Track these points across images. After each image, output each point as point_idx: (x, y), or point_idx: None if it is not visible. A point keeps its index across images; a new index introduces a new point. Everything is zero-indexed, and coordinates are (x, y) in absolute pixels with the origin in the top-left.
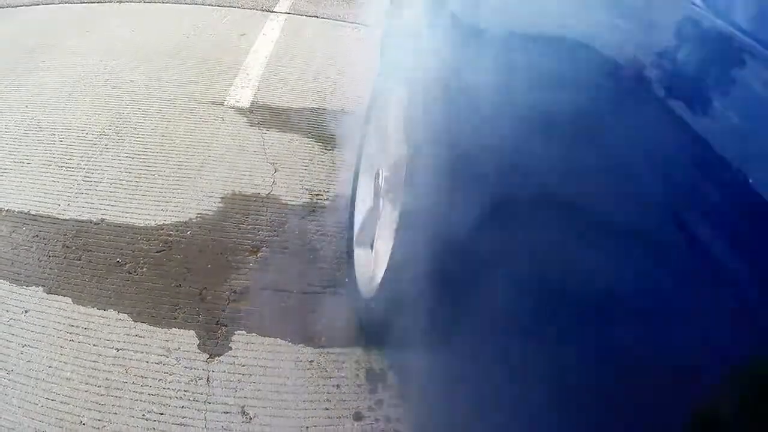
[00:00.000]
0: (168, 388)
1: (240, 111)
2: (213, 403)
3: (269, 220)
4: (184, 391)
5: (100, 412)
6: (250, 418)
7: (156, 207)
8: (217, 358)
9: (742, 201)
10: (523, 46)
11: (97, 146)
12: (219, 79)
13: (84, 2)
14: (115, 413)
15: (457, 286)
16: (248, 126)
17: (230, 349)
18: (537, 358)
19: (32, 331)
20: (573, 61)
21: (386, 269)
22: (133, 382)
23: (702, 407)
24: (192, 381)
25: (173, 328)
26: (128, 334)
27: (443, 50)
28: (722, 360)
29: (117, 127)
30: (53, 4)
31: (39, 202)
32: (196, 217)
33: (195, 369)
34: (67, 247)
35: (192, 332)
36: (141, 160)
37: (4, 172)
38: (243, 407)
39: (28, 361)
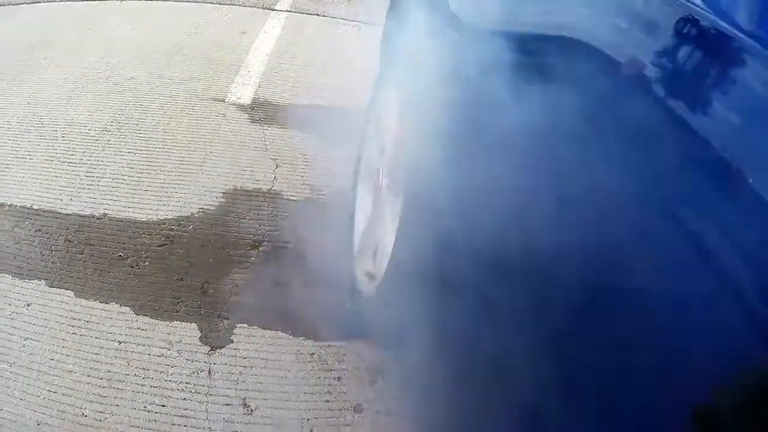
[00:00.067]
0: (170, 381)
1: (241, 108)
2: (214, 395)
3: (271, 215)
4: (186, 383)
5: (101, 404)
6: (252, 410)
7: (158, 202)
8: (218, 350)
9: (742, 201)
10: (523, 46)
11: (99, 142)
12: (220, 77)
13: (85, 0)
14: (117, 405)
15: (458, 284)
16: (250, 122)
17: (232, 341)
18: (535, 355)
19: (34, 324)
20: (573, 60)
21: (387, 268)
22: (135, 375)
23: (702, 407)
24: (194, 373)
25: (175, 321)
26: (130, 327)
27: (443, 50)
28: (722, 360)
29: (119, 123)
30: (54, 2)
31: (41, 197)
32: (198, 211)
33: (197, 361)
34: (69, 241)
35: (194, 325)
36: (143, 156)
37: (6, 168)
38: (244, 399)
39: (30, 354)
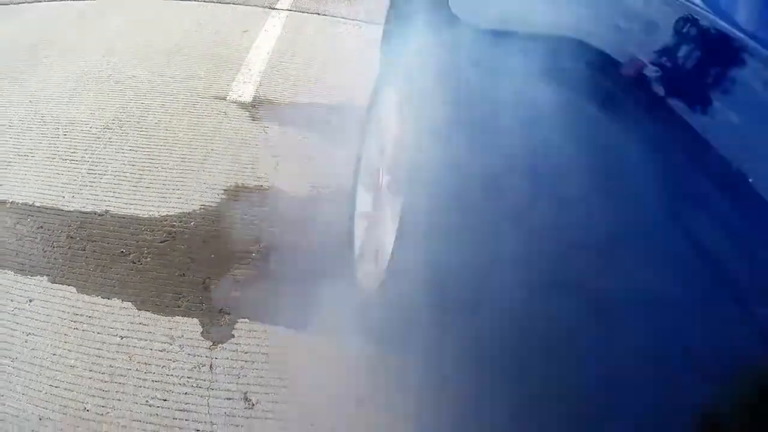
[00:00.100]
0: (171, 375)
1: (242, 106)
2: (216, 390)
3: (272, 211)
4: (188, 377)
5: (103, 398)
6: (253, 404)
7: (160, 199)
8: (220, 345)
9: (742, 201)
10: (523, 45)
11: (101, 140)
12: (221, 75)
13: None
14: (119, 399)
15: (458, 284)
16: (251, 120)
17: (233, 336)
18: (534, 355)
19: (36, 320)
20: (572, 60)
21: (387, 267)
22: (136, 369)
23: (702, 407)
24: (195, 368)
25: (177, 316)
26: (132, 322)
27: (442, 49)
28: (722, 360)
29: (120, 121)
30: (55, 1)
31: (43, 194)
32: (200, 208)
33: (198, 356)
34: (71, 237)
35: (195, 320)
36: (144, 153)
37: (8, 166)
38: (246, 393)
39: (33, 349)
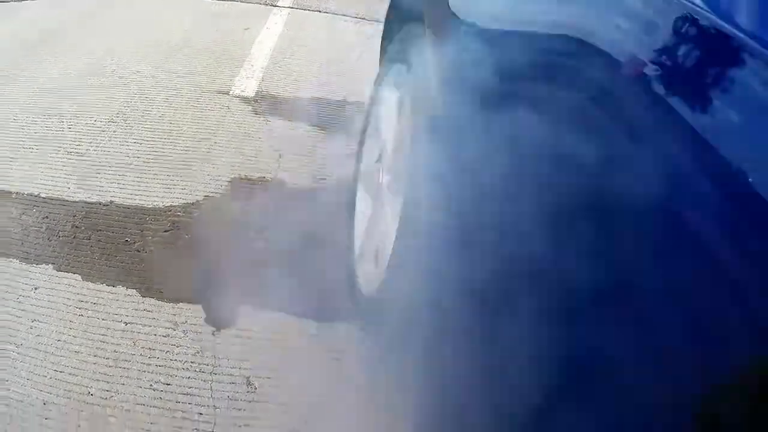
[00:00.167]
0: (175, 360)
1: (245, 100)
2: (219, 374)
3: (275, 202)
4: (191, 362)
5: (108, 383)
6: (255, 389)
7: (164, 190)
8: (223, 331)
9: (742, 201)
10: (522, 45)
11: (105, 133)
12: (224, 70)
13: None
14: (123, 384)
15: (460, 283)
16: (253, 114)
17: (236, 322)
18: (534, 355)
19: (42, 307)
20: (572, 59)
21: (388, 267)
22: (141, 354)
23: (702, 407)
24: (198, 352)
25: (181, 303)
26: (136, 309)
27: (442, 48)
28: (722, 360)
29: (125, 115)
30: None
31: (48, 185)
32: (204, 198)
33: (201, 341)
34: (76, 227)
35: (199, 306)
36: (149, 146)
37: (13, 158)
38: (248, 378)
39: (38, 336)
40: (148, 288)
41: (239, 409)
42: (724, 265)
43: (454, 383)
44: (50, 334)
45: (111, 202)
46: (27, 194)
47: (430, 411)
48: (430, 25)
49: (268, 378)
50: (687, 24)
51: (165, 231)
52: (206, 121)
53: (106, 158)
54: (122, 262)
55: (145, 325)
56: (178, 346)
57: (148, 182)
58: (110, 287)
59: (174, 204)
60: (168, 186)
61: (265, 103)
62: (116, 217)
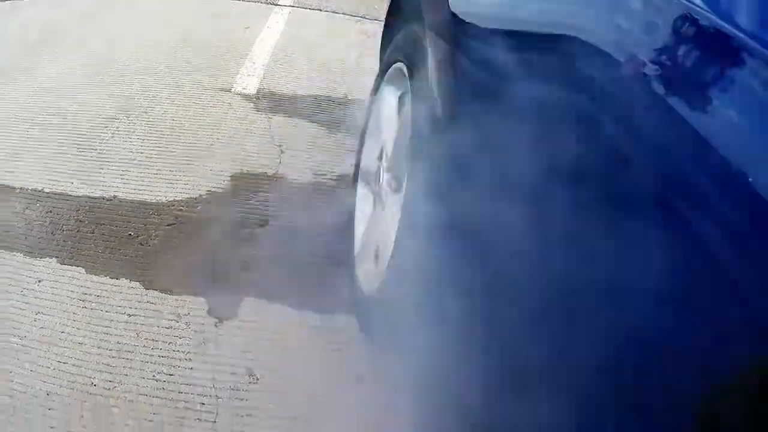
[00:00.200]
0: (178, 351)
1: (247, 97)
2: (221, 365)
3: (276, 196)
4: (194, 353)
5: (111, 373)
6: (257, 379)
7: (167, 185)
8: (225, 322)
9: (742, 201)
10: (523, 44)
11: (108, 129)
12: (226, 68)
13: None
14: (126, 374)
15: (461, 281)
16: (255, 111)
17: (239, 314)
18: (534, 355)
19: (45, 299)
20: (572, 59)
21: (388, 266)
22: (144, 345)
23: (702, 407)
24: (201, 344)
25: (184, 295)
26: (140, 301)
27: (442, 47)
28: (722, 360)
29: (127, 112)
30: None
31: (52, 180)
32: (206, 193)
33: (204, 333)
34: (80, 221)
35: (202, 299)
36: (152, 142)
37: (17, 154)
38: (250, 369)
39: (41, 328)
40: (152, 280)
41: (241, 399)
42: (724, 265)
43: (453, 383)
44: (54, 326)
45: (114, 196)
46: (31, 189)
47: (430, 411)
48: (430, 25)
49: (270, 369)
50: (687, 24)
51: (168, 225)
52: (208, 117)
53: (110, 154)
54: (126, 255)
55: (148, 317)
56: (180, 338)
57: (151, 178)
58: (114, 280)
59: (177, 198)
60: (171, 181)
61: (267, 101)
62: (120, 212)
